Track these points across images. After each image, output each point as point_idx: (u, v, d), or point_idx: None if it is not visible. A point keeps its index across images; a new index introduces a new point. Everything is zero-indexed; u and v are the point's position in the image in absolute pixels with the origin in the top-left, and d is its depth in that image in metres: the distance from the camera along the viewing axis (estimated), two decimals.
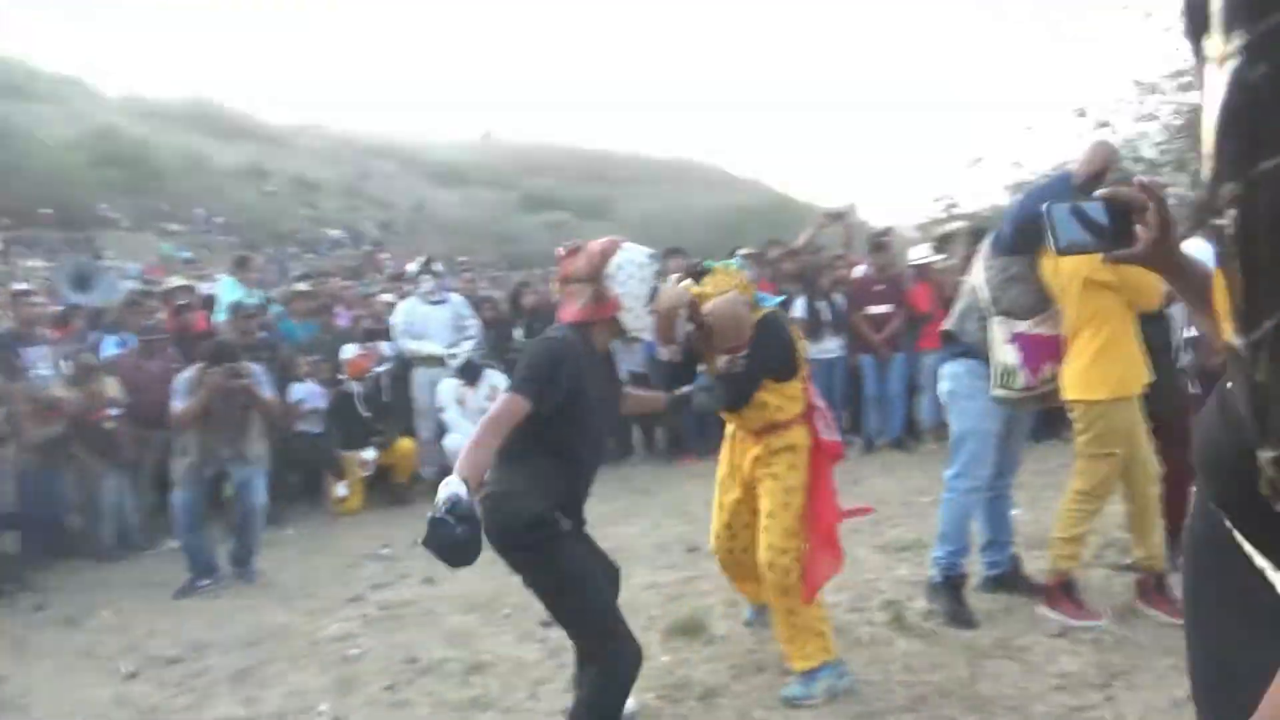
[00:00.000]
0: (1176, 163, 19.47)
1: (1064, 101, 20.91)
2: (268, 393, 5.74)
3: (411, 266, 8.97)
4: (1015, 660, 3.33)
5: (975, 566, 4.06)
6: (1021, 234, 3.68)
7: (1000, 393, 3.76)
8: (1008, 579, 4.03)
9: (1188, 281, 1.27)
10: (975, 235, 8.15)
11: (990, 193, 21.79)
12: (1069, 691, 3.04)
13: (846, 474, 6.76)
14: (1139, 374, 3.56)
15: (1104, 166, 3.55)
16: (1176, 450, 4.14)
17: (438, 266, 8.09)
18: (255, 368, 5.82)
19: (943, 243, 8.31)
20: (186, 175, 51.67)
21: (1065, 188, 3.58)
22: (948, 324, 4.05)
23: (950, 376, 3.96)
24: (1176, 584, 3.67)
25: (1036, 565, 4.19)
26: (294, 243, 43.86)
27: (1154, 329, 4.14)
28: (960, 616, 3.71)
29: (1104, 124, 20.36)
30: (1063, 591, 3.67)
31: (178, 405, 5.42)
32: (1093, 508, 3.64)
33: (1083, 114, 20.41)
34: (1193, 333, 4.45)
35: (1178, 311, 4.37)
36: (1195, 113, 14.81)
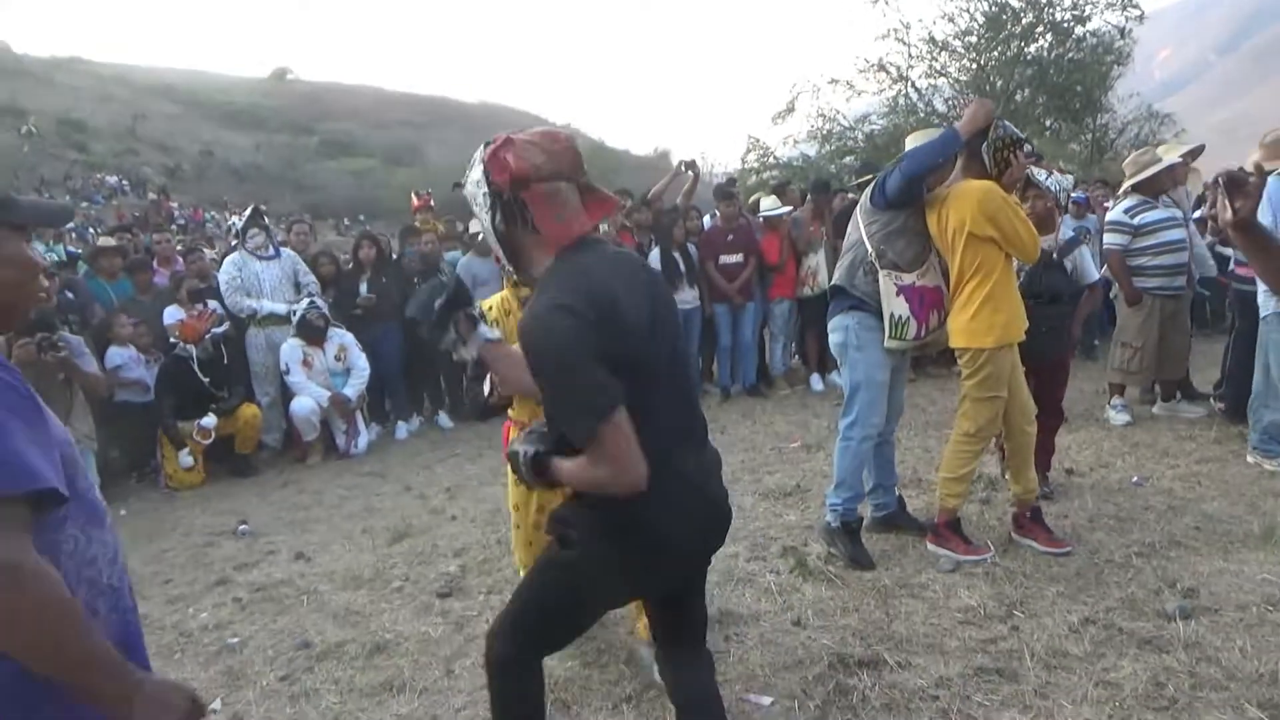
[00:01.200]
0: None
1: (864, 55, 21.97)
2: (89, 365, 5.14)
3: (235, 219, 8.25)
4: (919, 598, 3.48)
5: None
6: (908, 189, 3.78)
7: (894, 344, 3.88)
8: (894, 519, 4.22)
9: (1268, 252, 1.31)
10: (817, 187, 8.46)
11: (800, 141, 22.86)
12: (975, 625, 3.22)
13: (713, 422, 6.86)
14: (1020, 323, 3.76)
15: (986, 123, 3.70)
16: (1055, 391, 4.48)
17: (266, 220, 7.46)
18: (72, 339, 5.19)
19: (779, 193, 8.53)
20: None
21: (956, 143, 3.71)
22: (836, 278, 4.12)
23: (841, 329, 4.05)
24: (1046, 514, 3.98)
25: (909, 504, 4.42)
26: (65, 190, 39.52)
27: (1053, 278, 4.42)
28: (860, 559, 3.84)
29: (902, 78, 21.74)
30: (950, 529, 3.87)
31: None
32: (978, 448, 3.85)
33: (882, 68, 21.65)
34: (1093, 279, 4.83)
35: (1074, 261, 4.70)
36: (980, 69, 15.78)
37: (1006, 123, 3.76)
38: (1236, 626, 3.03)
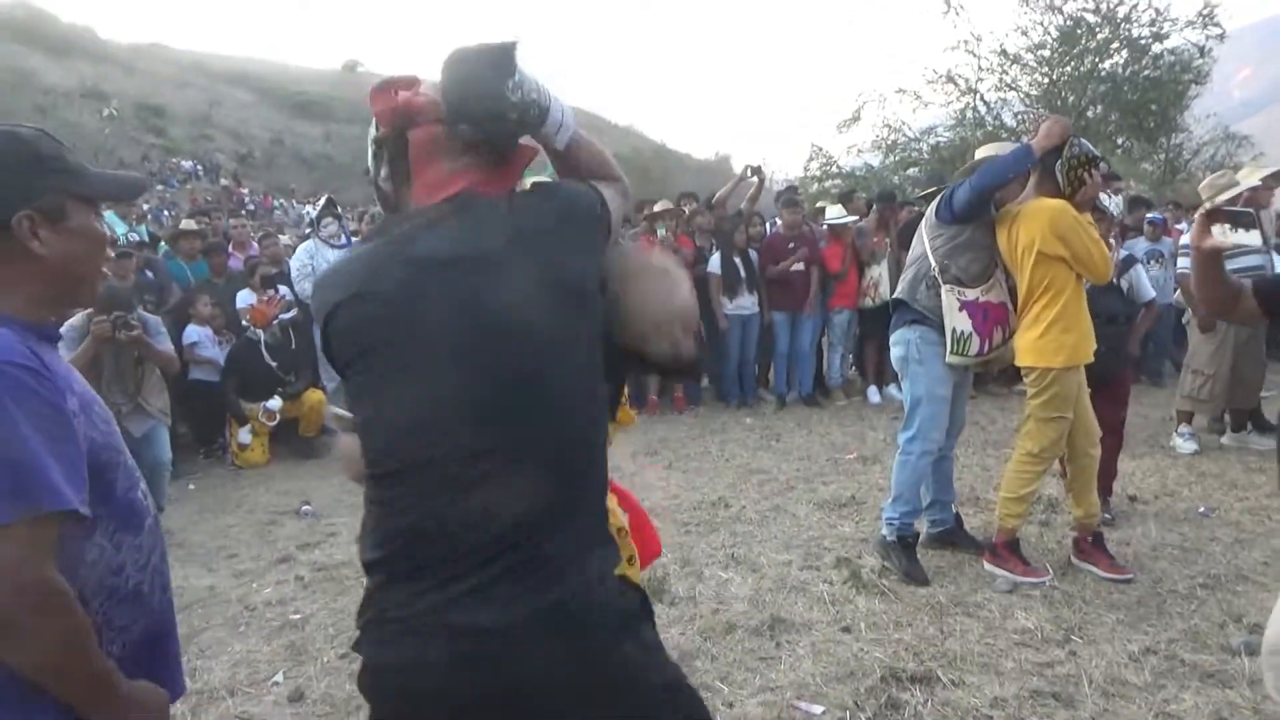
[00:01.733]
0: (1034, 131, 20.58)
1: (933, 66, 21.69)
2: (163, 344, 5.32)
3: (310, 209, 8.47)
4: (974, 617, 3.46)
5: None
6: (976, 203, 3.77)
7: (955, 359, 3.86)
8: (951, 535, 4.19)
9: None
10: (883, 198, 8.41)
11: (864, 151, 22.66)
12: (1032, 648, 3.19)
13: (768, 430, 6.94)
14: (1089, 344, 3.72)
15: (1061, 140, 3.66)
16: (1116, 411, 4.42)
17: (339, 209, 7.65)
18: (149, 317, 5.37)
19: (844, 202, 8.51)
20: (11, 93, 47.11)
21: (1029, 159, 3.68)
22: (899, 292, 4.12)
23: (903, 343, 4.04)
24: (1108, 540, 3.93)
25: (966, 521, 4.39)
26: (143, 173, 40.75)
27: (1109, 299, 4.37)
28: (914, 574, 3.83)
29: (971, 90, 21.43)
30: (1009, 549, 3.84)
31: (64, 354, 4.96)
32: (1041, 468, 3.81)
33: (950, 79, 21.36)
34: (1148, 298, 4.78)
35: (1130, 281, 4.67)
36: (1052, 84, 15.46)
37: (1083, 140, 3.71)
38: None
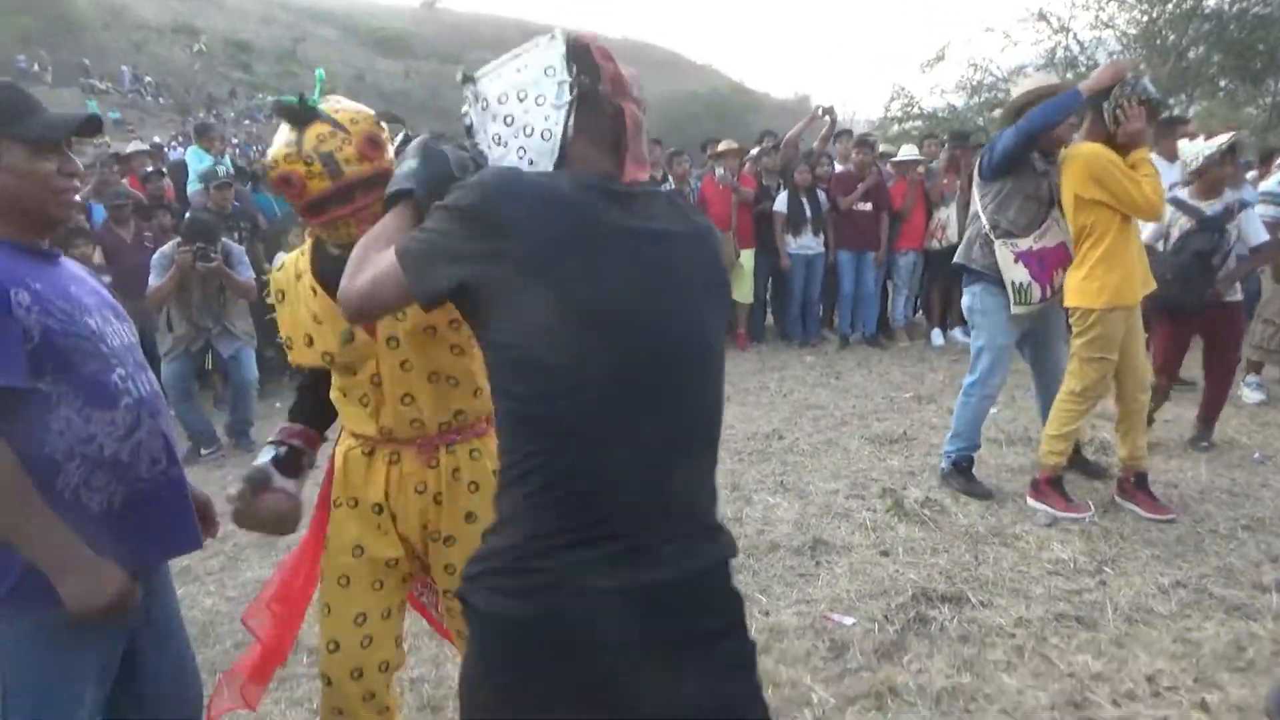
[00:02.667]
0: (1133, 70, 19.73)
1: (1024, 4, 20.86)
2: (246, 272, 5.64)
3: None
4: (1010, 547, 3.58)
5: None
6: (1020, 147, 3.83)
7: (1020, 309, 3.96)
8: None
9: None
10: (956, 138, 8.30)
11: (947, 92, 22.02)
12: (1064, 576, 3.31)
13: (828, 368, 7.05)
14: (1135, 284, 3.73)
15: (1113, 83, 3.65)
16: (1217, 340, 4.73)
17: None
18: (233, 247, 5.71)
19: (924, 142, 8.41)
20: (106, 29, 48.59)
21: (1076, 101, 3.71)
22: (959, 257, 4.25)
23: (970, 294, 4.21)
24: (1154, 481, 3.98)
25: (1016, 460, 4.48)
26: (230, 107, 41.90)
27: (1200, 240, 4.37)
28: (975, 490, 4.12)
29: (1064, 29, 20.56)
30: (1051, 485, 3.92)
31: (153, 281, 5.36)
32: (1084, 408, 3.87)
33: (1042, 17, 20.50)
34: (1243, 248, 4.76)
35: (1240, 225, 4.65)
36: (1151, 22, 14.69)
37: (1140, 81, 3.67)
38: None
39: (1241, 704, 2.46)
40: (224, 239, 5.69)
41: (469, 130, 1.42)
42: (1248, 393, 5.71)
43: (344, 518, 1.98)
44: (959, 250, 4.27)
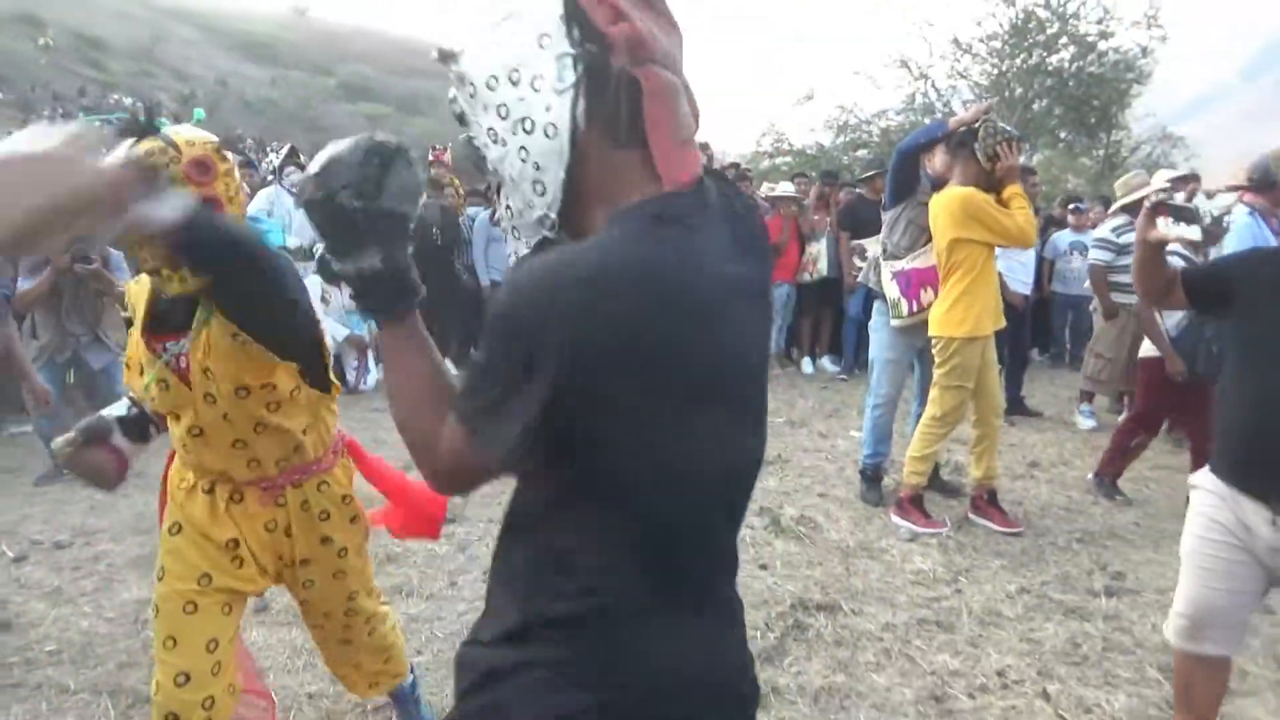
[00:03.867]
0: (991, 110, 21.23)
1: (887, 51, 22.15)
2: (125, 278, 5.45)
3: (273, 156, 8.53)
4: (877, 560, 3.87)
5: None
6: (899, 167, 4.27)
7: (896, 322, 4.34)
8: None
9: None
10: (826, 176, 8.78)
11: (816, 130, 23.09)
12: (924, 585, 3.61)
13: None
14: (991, 317, 4.11)
15: (974, 120, 4.07)
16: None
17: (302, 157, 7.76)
18: (114, 252, 5.50)
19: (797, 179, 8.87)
20: None
21: (938, 129, 4.19)
22: (860, 276, 4.69)
23: (872, 313, 4.66)
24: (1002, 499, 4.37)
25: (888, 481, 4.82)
26: (79, 107, 39.42)
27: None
28: (869, 498, 4.56)
29: (923, 75, 21.95)
30: (912, 503, 4.26)
31: (22, 285, 5.10)
32: (943, 431, 4.22)
33: (904, 65, 21.85)
34: None
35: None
36: (1001, 75, 15.92)
37: (995, 120, 4.08)
38: (1153, 606, 3.42)
39: (1078, 693, 2.78)
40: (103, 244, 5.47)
41: (460, 119, 1.12)
42: (1081, 419, 6.30)
43: (185, 546, 1.92)
44: (861, 273, 4.74)
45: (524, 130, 1.02)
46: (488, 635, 1.09)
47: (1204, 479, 2.25)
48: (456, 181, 9.00)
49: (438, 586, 3.57)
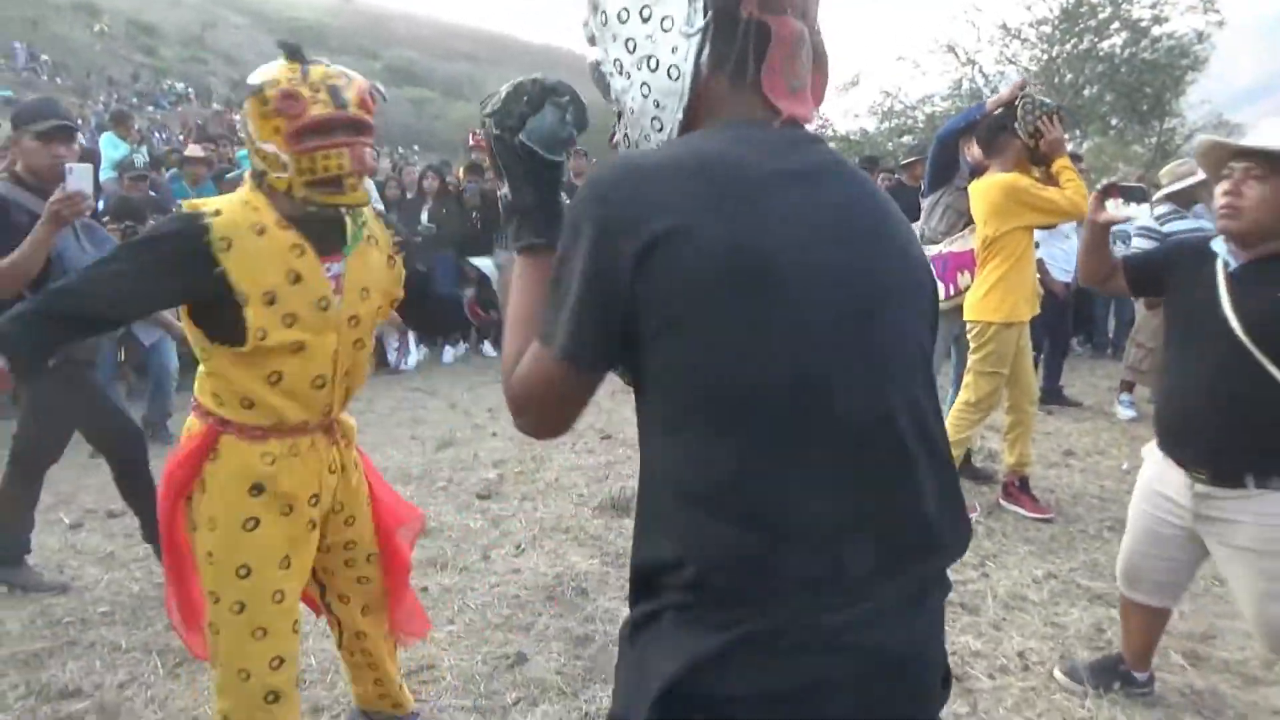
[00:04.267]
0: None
1: (934, 37, 21.93)
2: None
3: None
4: None
5: None
6: (938, 153, 4.25)
7: None
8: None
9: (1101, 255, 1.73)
10: (865, 162, 8.74)
11: (860, 116, 22.89)
12: (951, 569, 3.61)
13: None
14: (1028, 303, 4.09)
15: (1011, 97, 4.03)
16: None
17: None
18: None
19: None
20: (3, 4, 46.20)
21: (977, 110, 4.18)
22: None
23: None
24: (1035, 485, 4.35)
25: None
26: (131, 92, 40.32)
27: None
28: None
29: (970, 61, 21.63)
30: None
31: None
32: (978, 417, 4.21)
33: (950, 50, 21.55)
34: None
35: None
36: (1051, 60, 15.73)
37: (1033, 95, 4.01)
38: (1183, 594, 3.41)
39: None
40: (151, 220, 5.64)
41: (591, 40, 1.14)
42: (1121, 409, 6.23)
43: (272, 532, 1.89)
44: None
45: (648, 67, 1.05)
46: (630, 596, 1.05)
47: (1150, 450, 2.50)
48: None
49: (471, 559, 3.67)
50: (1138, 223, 8.09)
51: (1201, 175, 6.00)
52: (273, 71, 1.80)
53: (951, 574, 3.30)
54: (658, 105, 1.05)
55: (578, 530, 3.95)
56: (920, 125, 21.40)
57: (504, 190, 1.16)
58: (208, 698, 2.38)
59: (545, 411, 1.04)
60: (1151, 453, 2.48)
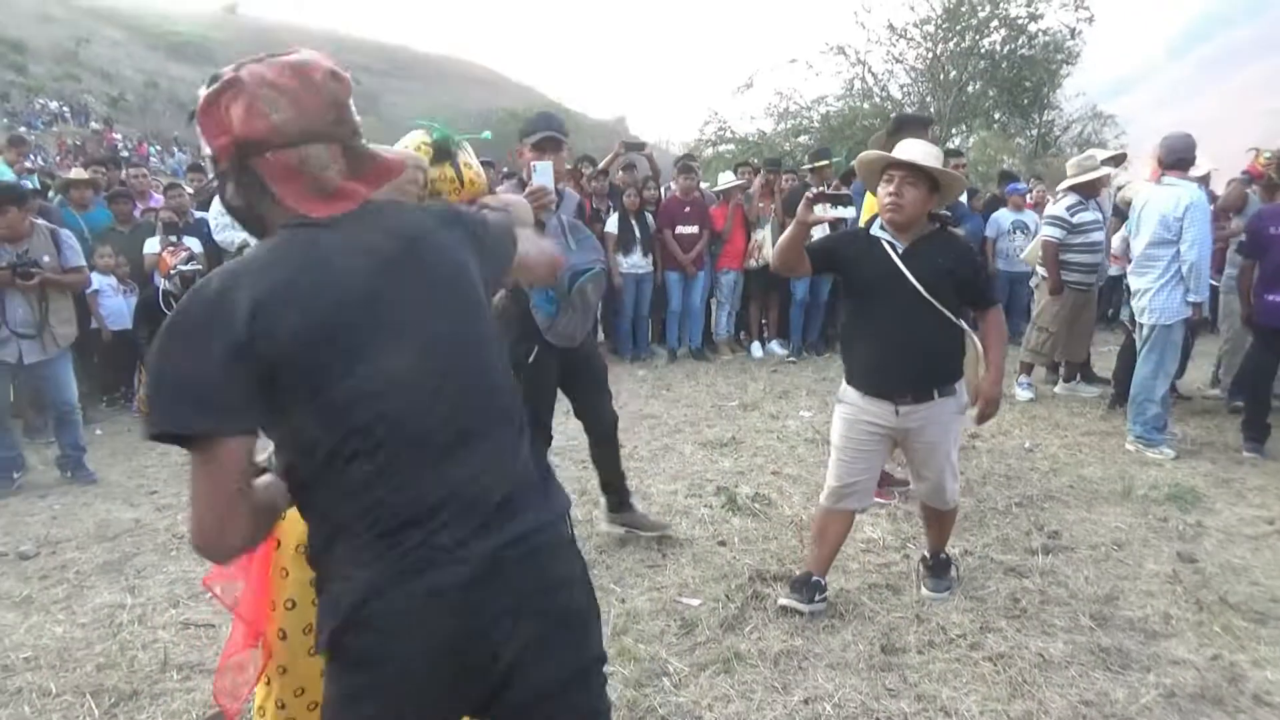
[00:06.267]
0: (919, 104, 21.67)
1: (825, 38, 22.50)
2: (75, 260, 5.32)
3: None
4: None
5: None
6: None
7: None
8: None
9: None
10: (770, 164, 8.96)
11: (756, 117, 23.30)
12: (874, 553, 3.80)
13: (659, 381, 7.46)
14: None
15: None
16: None
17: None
18: (63, 232, 5.43)
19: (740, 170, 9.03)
20: None
21: None
22: None
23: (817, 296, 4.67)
24: None
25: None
26: (2, 112, 38.27)
27: None
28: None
29: (860, 61, 22.32)
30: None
31: None
32: None
33: (840, 51, 22.19)
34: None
35: None
36: (935, 59, 16.35)
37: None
38: (1086, 561, 3.66)
39: (1018, 642, 2.98)
40: (42, 221, 5.38)
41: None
42: (1020, 391, 6.57)
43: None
44: None
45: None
46: None
47: (846, 392, 3.21)
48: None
49: None
50: (1013, 217, 8.64)
51: (1103, 171, 6.38)
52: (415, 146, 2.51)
53: (875, 557, 3.48)
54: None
55: None
56: (816, 125, 21.93)
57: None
58: None
59: (211, 512, 1.26)
60: (846, 394, 3.20)
